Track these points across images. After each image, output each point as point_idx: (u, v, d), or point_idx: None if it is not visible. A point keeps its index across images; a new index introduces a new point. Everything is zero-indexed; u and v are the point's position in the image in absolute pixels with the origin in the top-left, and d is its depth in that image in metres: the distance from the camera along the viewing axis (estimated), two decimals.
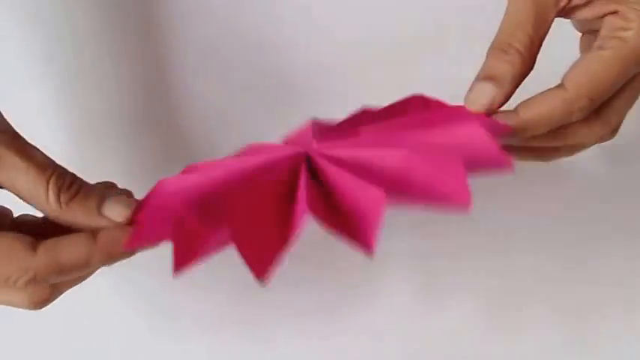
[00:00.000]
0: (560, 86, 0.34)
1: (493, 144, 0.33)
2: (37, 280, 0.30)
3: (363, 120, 0.37)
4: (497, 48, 0.35)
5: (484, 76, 0.35)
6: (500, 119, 0.35)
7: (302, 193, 0.31)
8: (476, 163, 0.33)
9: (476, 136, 0.34)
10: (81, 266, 0.30)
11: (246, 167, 0.34)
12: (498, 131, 0.35)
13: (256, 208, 0.32)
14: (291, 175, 0.34)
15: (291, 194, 0.33)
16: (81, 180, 0.32)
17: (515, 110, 0.35)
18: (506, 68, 0.35)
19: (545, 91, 0.34)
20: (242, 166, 0.34)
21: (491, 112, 0.35)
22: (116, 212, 0.31)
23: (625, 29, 0.34)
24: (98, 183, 0.33)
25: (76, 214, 0.31)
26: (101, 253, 0.30)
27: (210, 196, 0.32)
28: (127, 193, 0.33)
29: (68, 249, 0.30)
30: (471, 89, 0.35)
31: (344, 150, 0.34)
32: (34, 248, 0.30)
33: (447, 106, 0.38)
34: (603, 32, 0.35)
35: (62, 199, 0.31)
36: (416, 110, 0.38)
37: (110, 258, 0.31)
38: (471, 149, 0.33)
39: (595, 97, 0.34)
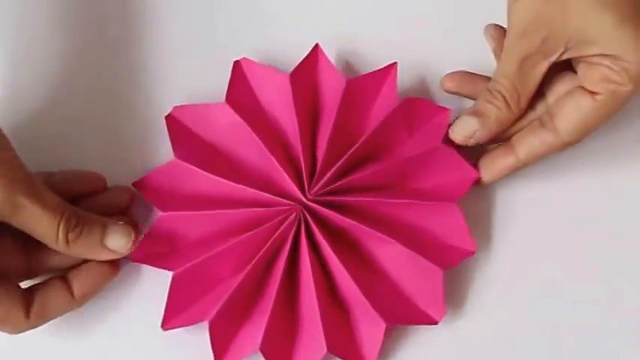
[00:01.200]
0: (552, 129, 0.37)
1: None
2: (22, 332, 0.36)
3: (353, 155, 0.39)
4: (488, 89, 0.38)
5: (471, 112, 0.38)
6: (496, 157, 0.39)
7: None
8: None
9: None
10: (62, 314, 0.37)
11: (238, 227, 0.38)
12: (470, 181, 0.39)
13: (233, 303, 0.37)
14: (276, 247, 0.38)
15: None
16: (85, 217, 0.36)
17: (514, 150, 0.38)
18: (491, 109, 0.37)
19: (540, 132, 0.37)
20: (233, 226, 0.38)
21: (470, 144, 0.38)
22: (120, 245, 0.37)
23: (619, 84, 0.35)
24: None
25: (82, 250, 0.36)
26: (77, 301, 0.37)
27: (202, 266, 0.38)
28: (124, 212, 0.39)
29: (54, 309, 0.36)
30: (457, 120, 0.38)
31: (337, 217, 0.38)
32: (27, 314, 0.35)
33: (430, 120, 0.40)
34: (594, 79, 0.36)
35: (70, 238, 0.35)
36: (400, 139, 0.40)
37: (84, 301, 0.37)
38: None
39: (583, 137, 0.37)
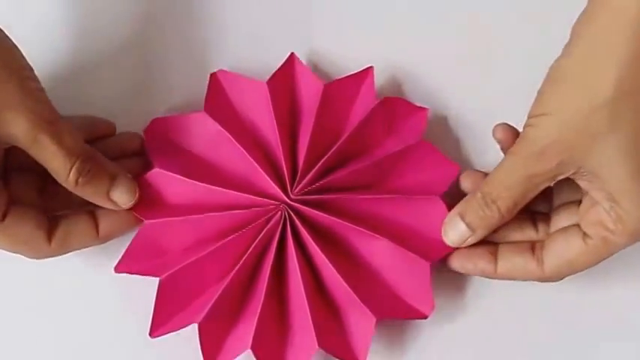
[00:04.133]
0: (538, 259, 0.36)
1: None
2: (43, 259, 0.37)
3: (335, 154, 0.39)
4: (482, 197, 0.36)
5: (462, 215, 0.37)
6: (477, 264, 0.38)
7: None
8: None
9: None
10: (83, 247, 0.38)
11: (222, 231, 0.38)
12: (452, 177, 0.40)
13: (221, 305, 0.37)
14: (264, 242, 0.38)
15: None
16: (99, 164, 0.37)
17: (495, 261, 0.37)
18: (483, 222, 0.36)
19: (524, 260, 0.37)
20: (218, 229, 0.38)
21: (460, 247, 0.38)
22: (122, 199, 0.38)
23: (612, 232, 0.34)
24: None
25: (88, 194, 0.37)
26: (102, 239, 0.38)
27: (188, 271, 0.38)
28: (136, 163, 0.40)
29: (77, 241, 0.37)
30: (447, 221, 0.38)
31: (321, 216, 0.38)
32: (49, 239, 0.36)
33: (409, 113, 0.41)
34: (589, 220, 0.35)
35: (79, 181, 0.36)
36: (380, 137, 0.41)
37: (107, 240, 0.39)
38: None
39: (563, 278, 0.37)
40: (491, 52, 0.43)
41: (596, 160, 0.33)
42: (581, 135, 0.33)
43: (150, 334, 0.37)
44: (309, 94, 0.41)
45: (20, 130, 0.34)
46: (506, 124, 0.38)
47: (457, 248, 0.38)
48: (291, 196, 0.39)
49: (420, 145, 0.40)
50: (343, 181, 0.39)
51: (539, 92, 0.35)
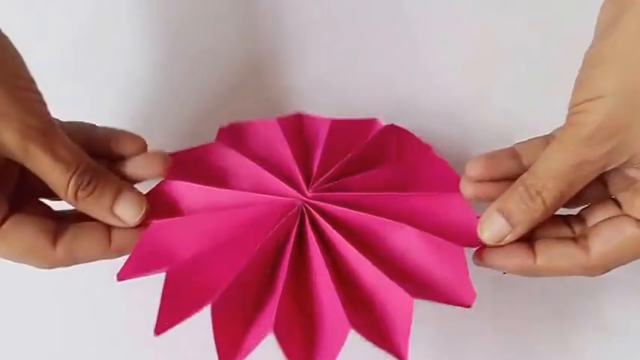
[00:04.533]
0: (583, 246, 0.33)
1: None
2: (51, 268, 0.34)
3: (347, 165, 0.38)
4: (526, 189, 0.33)
5: (501, 210, 0.34)
6: (515, 258, 0.34)
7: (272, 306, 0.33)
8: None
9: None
10: (93, 260, 0.34)
11: (236, 227, 0.35)
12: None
13: (237, 293, 0.34)
14: (282, 237, 0.36)
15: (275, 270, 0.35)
16: (101, 176, 0.34)
17: (534, 253, 0.34)
18: (525, 216, 0.33)
19: (568, 249, 0.34)
20: (232, 225, 0.35)
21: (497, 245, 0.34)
22: (128, 215, 0.35)
23: None
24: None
25: (90, 209, 0.34)
26: (113, 252, 0.34)
27: (199, 264, 0.34)
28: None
29: (85, 249, 0.34)
30: (484, 217, 0.35)
31: (340, 210, 0.36)
32: (54, 243, 0.33)
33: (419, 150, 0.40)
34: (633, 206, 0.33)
35: (79, 195, 0.34)
36: (390, 156, 0.40)
37: (120, 254, 0.34)
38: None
39: (611, 268, 0.34)
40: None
41: None
42: (632, 116, 0.31)
43: (155, 331, 0.32)
44: (317, 127, 0.42)
45: (10, 141, 0.32)
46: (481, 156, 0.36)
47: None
48: (307, 194, 0.37)
49: (435, 161, 0.40)
50: (357, 184, 0.38)
51: (579, 80, 0.32)
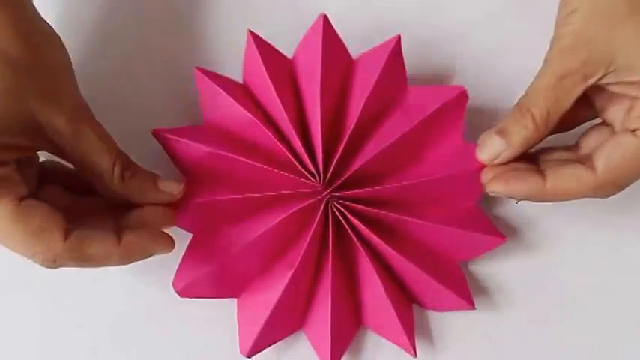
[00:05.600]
0: (590, 167, 0.34)
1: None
2: (55, 262, 0.33)
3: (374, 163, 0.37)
4: (518, 109, 0.36)
5: (497, 131, 0.36)
6: (525, 180, 0.35)
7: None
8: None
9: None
10: (100, 262, 0.34)
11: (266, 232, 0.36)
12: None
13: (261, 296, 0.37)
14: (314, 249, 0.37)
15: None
16: (135, 164, 0.36)
17: (544, 177, 0.35)
18: (518, 130, 0.35)
19: (575, 168, 0.35)
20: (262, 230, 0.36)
21: (493, 164, 0.36)
22: (172, 187, 0.36)
23: None
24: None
25: (135, 187, 0.36)
26: (120, 256, 0.34)
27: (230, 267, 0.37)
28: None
29: (94, 246, 0.33)
30: (482, 140, 0.37)
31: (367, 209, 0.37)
32: (65, 236, 0.33)
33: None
34: (632, 117, 0.34)
35: (125, 175, 0.35)
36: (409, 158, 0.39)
37: (128, 260, 0.34)
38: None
39: (622, 184, 0.35)
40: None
41: (619, 49, 0.33)
42: (602, 24, 0.33)
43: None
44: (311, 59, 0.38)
45: (62, 120, 0.33)
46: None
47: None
48: (327, 192, 0.37)
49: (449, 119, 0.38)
50: (375, 162, 0.37)
51: (560, 2, 0.35)
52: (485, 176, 0.36)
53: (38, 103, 0.32)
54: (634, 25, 0.33)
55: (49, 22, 0.35)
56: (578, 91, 0.34)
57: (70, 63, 0.35)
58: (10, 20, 0.32)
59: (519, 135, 0.35)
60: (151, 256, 0.35)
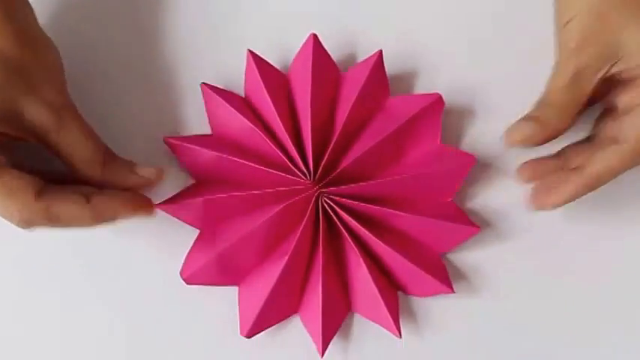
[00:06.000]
0: (622, 141, 0.36)
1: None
2: (30, 223, 0.34)
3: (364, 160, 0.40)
4: (542, 102, 0.38)
5: (527, 117, 0.38)
6: (569, 181, 0.38)
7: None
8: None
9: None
10: (71, 222, 0.35)
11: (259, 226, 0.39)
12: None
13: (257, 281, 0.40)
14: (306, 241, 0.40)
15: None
16: (115, 154, 0.39)
17: (583, 168, 0.37)
18: (549, 114, 0.37)
19: (609, 148, 0.37)
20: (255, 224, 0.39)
21: (526, 145, 0.38)
22: (148, 172, 0.39)
23: None
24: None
25: (115, 173, 0.38)
26: (91, 216, 0.35)
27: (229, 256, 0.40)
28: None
29: (65, 206, 0.34)
30: (512, 126, 0.38)
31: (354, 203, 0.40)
32: (38, 195, 0.34)
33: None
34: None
35: (107, 160, 0.37)
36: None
37: (99, 220, 0.35)
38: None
39: None
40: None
41: (626, 38, 0.36)
42: (601, 23, 0.36)
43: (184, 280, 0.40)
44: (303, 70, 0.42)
45: (46, 115, 0.35)
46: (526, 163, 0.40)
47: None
48: (316, 187, 0.40)
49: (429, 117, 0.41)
50: (360, 162, 0.40)
51: (557, 8, 0.38)
52: (538, 198, 0.39)
53: (26, 99, 0.35)
54: (633, 18, 0.36)
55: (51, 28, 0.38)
56: (591, 85, 0.37)
57: (61, 64, 0.38)
58: (5, 20, 0.35)
59: (551, 117, 0.37)
60: (126, 218, 0.37)
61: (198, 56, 0.43)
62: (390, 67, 0.42)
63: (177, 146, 0.41)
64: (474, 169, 0.41)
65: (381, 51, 0.41)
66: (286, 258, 0.39)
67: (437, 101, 0.41)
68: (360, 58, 0.43)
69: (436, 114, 0.41)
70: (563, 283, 0.42)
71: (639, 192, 0.42)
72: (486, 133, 0.42)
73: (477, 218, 0.42)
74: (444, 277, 0.40)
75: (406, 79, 0.43)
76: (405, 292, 0.41)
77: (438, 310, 0.42)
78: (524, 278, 0.42)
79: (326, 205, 0.40)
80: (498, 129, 0.39)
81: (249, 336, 0.40)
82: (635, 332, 0.42)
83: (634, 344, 0.42)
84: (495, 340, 0.42)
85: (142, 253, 0.42)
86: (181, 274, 0.41)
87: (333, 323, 0.41)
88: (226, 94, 0.42)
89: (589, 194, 0.38)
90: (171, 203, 0.40)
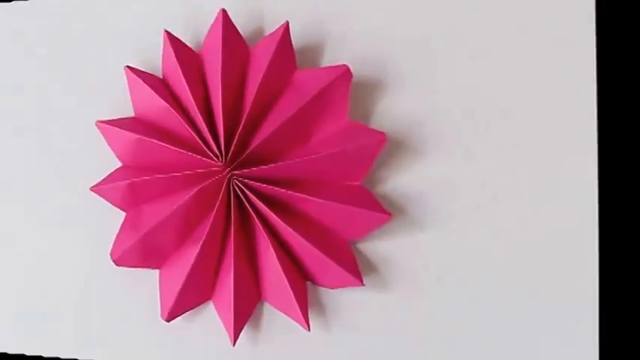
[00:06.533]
0: None
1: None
2: None
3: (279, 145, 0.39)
4: None
5: None
6: None
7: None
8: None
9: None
10: None
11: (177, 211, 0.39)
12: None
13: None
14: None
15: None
16: None
17: None
18: None
19: None
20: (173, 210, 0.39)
21: None
22: None
23: None
24: None
25: None
26: None
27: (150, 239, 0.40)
28: None
29: None
30: None
31: (264, 187, 0.39)
32: None
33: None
34: None
35: None
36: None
37: None
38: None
39: None
40: None
41: None
42: None
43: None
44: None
45: None
46: None
47: None
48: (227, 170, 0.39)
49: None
50: (269, 142, 0.39)
51: None
52: None
53: None
54: None
55: None
56: None
57: None
58: None
59: None
60: None
61: (120, 42, 0.44)
62: (297, 39, 0.40)
63: (105, 129, 0.42)
64: (385, 148, 0.38)
65: (287, 23, 0.39)
66: (200, 243, 0.39)
67: (345, 73, 0.38)
68: (269, 31, 0.41)
69: (344, 87, 0.39)
70: (479, 275, 0.39)
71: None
72: (397, 108, 0.39)
73: (388, 204, 0.39)
74: (354, 268, 0.39)
75: (314, 51, 0.41)
76: (314, 282, 0.40)
77: (348, 302, 0.40)
78: (438, 270, 0.39)
79: (237, 188, 0.39)
80: (410, 103, 0.36)
81: (168, 319, 0.40)
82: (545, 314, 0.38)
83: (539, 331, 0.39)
84: (405, 337, 0.39)
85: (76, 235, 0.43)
86: (111, 255, 0.41)
87: (244, 311, 0.40)
88: (145, 76, 0.42)
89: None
90: (101, 185, 0.41)
